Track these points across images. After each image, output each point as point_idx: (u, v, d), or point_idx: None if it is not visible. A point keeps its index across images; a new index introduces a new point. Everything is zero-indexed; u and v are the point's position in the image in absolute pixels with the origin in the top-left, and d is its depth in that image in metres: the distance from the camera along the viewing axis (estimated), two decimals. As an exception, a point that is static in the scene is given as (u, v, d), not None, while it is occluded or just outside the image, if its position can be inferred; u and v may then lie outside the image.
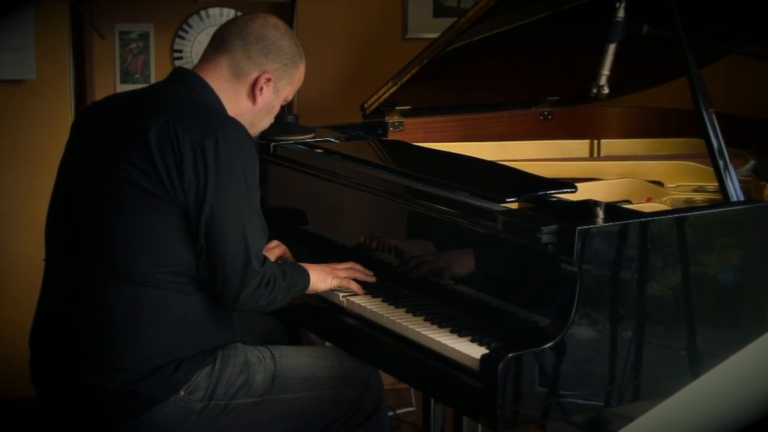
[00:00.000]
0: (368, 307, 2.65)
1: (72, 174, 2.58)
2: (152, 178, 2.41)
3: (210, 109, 2.55)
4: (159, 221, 2.43)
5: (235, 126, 2.50)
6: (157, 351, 2.45)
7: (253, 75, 2.62)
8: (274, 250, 2.90)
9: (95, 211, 2.48)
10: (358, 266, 2.78)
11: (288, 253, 2.93)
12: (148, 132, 2.42)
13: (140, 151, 2.42)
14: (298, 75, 2.71)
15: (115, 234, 2.45)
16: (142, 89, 2.72)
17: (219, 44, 2.64)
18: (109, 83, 4.01)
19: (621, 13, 2.86)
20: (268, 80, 2.63)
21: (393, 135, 3.57)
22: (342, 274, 2.74)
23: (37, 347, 2.59)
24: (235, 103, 2.62)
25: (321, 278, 2.72)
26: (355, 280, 2.75)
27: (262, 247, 2.52)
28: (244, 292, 2.46)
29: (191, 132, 2.42)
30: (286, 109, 3.71)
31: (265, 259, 2.53)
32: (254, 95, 2.63)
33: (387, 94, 3.47)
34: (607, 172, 3.23)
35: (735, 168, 2.61)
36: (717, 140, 2.60)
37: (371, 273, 2.78)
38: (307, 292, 2.71)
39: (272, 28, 2.65)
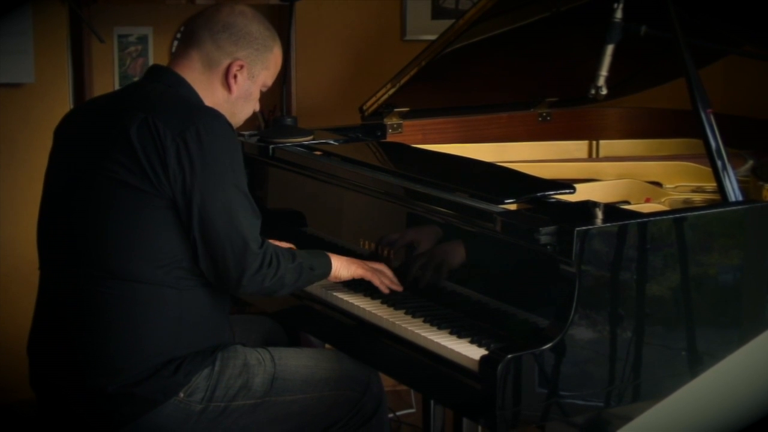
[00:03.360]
0: (368, 308, 2.65)
1: (58, 181, 2.58)
2: (137, 174, 2.42)
3: (188, 102, 2.56)
4: (148, 216, 2.44)
5: (213, 115, 2.51)
6: (155, 349, 2.46)
7: (225, 63, 2.62)
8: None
9: (85, 212, 2.49)
10: (388, 271, 2.76)
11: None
12: (128, 129, 2.43)
13: (123, 148, 2.43)
14: (274, 59, 2.70)
15: (106, 233, 2.46)
16: (119, 90, 2.75)
17: (188, 38, 2.64)
18: (107, 86, 4.01)
19: (619, 14, 2.86)
20: (241, 67, 2.63)
21: (392, 137, 3.57)
22: (368, 267, 2.73)
23: (35, 354, 2.60)
24: (212, 94, 2.62)
25: (344, 265, 2.71)
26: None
27: (256, 229, 2.52)
28: (247, 274, 2.46)
29: (171, 125, 2.43)
30: (284, 111, 3.72)
31: (264, 241, 2.53)
32: (229, 84, 2.63)
33: (386, 96, 3.47)
34: (605, 173, 3.24)
35: (733, 168, 2.61)
36: (715, 141, 2.60)
37: (398, 282, 2.74)
38: (330, 278, 2.70)
39: (239, 15, 2.65)
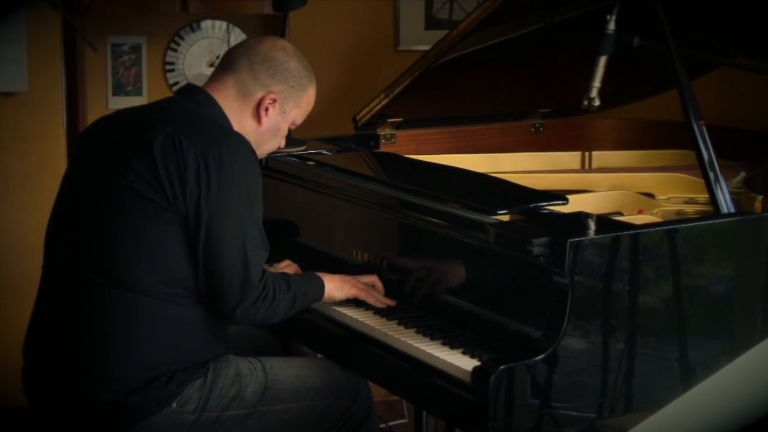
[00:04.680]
0: (360, 319, 2.65)
1: (75, 183, 2.60)
2: (155, 186, 2.42)
3: (216, 122, 2.57)
4: (159, 230, 2.43)
5: (239, 140, 2.51)
6: (152, 361, 2.45)
7: (258, 95, 2.62)
8: (285, 269, 2.90)
9: (96, 217, 2.49)
10: (379, 284, 2.76)
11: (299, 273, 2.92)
12: (153, 142, 2.44)
13: (144, 160, 2.43)
14: (307, 98, 2.72)
15: (115, 241, 2.45)
16: (150, 103, 2.75)
17: (227, 64, 2.66)
18: (101, 95, 4.01)
19: (612, 26, 2.87)
20: (274, 101, 2.64)
21: (385, 147, 3.57)
22: (362, 285, 2.73)
23: (31, 355, 2.59)
24: (241, 122, 2.63)
25: (338, 286, 2.71)
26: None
27: (261, 261, 2.52)
28: (242, 305, 2.46)
29: (195, 143, 2.44)
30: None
31: (264, 272, 2.52)
32: (259, 115, 2.63)
33: (379, 106, 3.48)
34: (598, 184, 3.24)
35: (726, 180, 2.61)
36: (707, 152, 2.60)
37: (387, 298, 2.74)
38: (324, 300, 2.71)
39: (280, 50, 2.67)
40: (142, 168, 2.43)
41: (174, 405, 2.46)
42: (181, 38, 4.10)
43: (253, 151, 2.54)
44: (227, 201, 2.44)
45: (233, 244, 2.44)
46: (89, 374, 2.44)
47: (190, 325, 2.50)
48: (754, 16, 3.27)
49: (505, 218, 2.53)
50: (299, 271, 2.92)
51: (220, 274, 2.44)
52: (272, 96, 2.63)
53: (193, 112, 2.57)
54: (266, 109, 2.63)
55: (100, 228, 2.48)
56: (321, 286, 2.69)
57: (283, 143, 2.77)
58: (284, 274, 2.65)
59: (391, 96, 3.43)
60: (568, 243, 2.28)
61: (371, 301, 2.71)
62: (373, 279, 2.76)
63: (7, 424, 3.92)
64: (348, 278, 2.74)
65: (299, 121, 2.74)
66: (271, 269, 2.89)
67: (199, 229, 2.43)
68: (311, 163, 3.19)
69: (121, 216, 2.45)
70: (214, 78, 2.67)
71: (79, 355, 2.46)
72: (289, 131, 3.46)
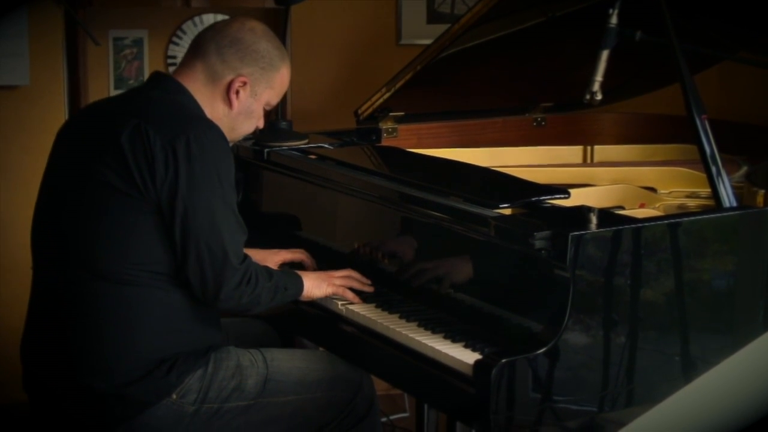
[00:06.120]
0: (362, 312, 2.65)
1: (53, 182, 2.59)
2: (126, 179, 2.42)
3: (184, 109, 2.55)
4: (135, 221, 2.44)
5: (207, 125, 2.50)
6: (146, 350, 2.46)
7: (228, 78, 2.60)
8: (297, 256, 2.92)
9: (75, 214, 2.49)
10: (355, 274, 2.77)
11: (309, 261, 2.93)
12: (120, 134, 2.43)
13: (113, 153, 2.43)
14: (280, 78, 2.68)
15: (95, 235, 2.46)
16: (121, 95, 2.76)
17: (195, 49, 2.64)
18: (102, 89, 4.01)
19: (614, 20, 2.87)
20: (244, 84, 2.61)
21: (387, 141, 3.56)
22: (338, 282, 2.73)
23: (28, 355, 2.60)
24: (212, 107, 2.61)
25: (316, 285, 2.71)
26: (351, 289, 2.74)
27: (240, 245, 2.51)
28: (224, 289, 2.46)
29: (162, 133, 2.43)
30: (279, 114, 3.72)
31: (246, 257, 2.52)
32: (230, 99, 2.61)
33: (381, 100, 3.47)
34: (600, 178, 3.24)
35: (728, 174, 2.61)
36: (710, 146, 2.60)
37: (369, 282, 2.77)
38: (302, 298, 2.70)
39: (248, 32, 2.63)
40: (113, 162, 2.43)
41: (174, 396, 2.47)
42: (183, 32, 4.10)
43: (222, 136, 2.52)
44: (198, 188, 2.43)
45: (208, 229, 2.44)
46: (87, 369, 2.45)
47: (180, 309, 2.51)
48: (756, 17, 3.26)
49: (507, 212, 2.53)
50: (310, 259, 2.92)
51: (200, 261, 2.44)
52: (242, 79, 2.61)
53: (160, 100, 2.54)
54: (237, 92, 2.61)
55: (80, 224, 2.48)
56: (300, 283, 2.69)
57: (261, 124, 2.73)
58: (266, 266, 2.64)
59: (392, 90, 3.43)
60: (570, 237, 2.28)
61: (349, 297, 2.71)
62: (349, 272, 2.76)
63: (8, 419, 3.93)
64: (324, 276, 2.74)
65: (274, 101, 2.71)
66: (282, 252, 2.90)
67: (174, 218, 2.42)
68: (313, 156, 3.19)
69: (98, 211, 2.45)
70: (183, 64, 2.65)
71: (74, 350, 2.47)
72: (291, 124, 3.48)
